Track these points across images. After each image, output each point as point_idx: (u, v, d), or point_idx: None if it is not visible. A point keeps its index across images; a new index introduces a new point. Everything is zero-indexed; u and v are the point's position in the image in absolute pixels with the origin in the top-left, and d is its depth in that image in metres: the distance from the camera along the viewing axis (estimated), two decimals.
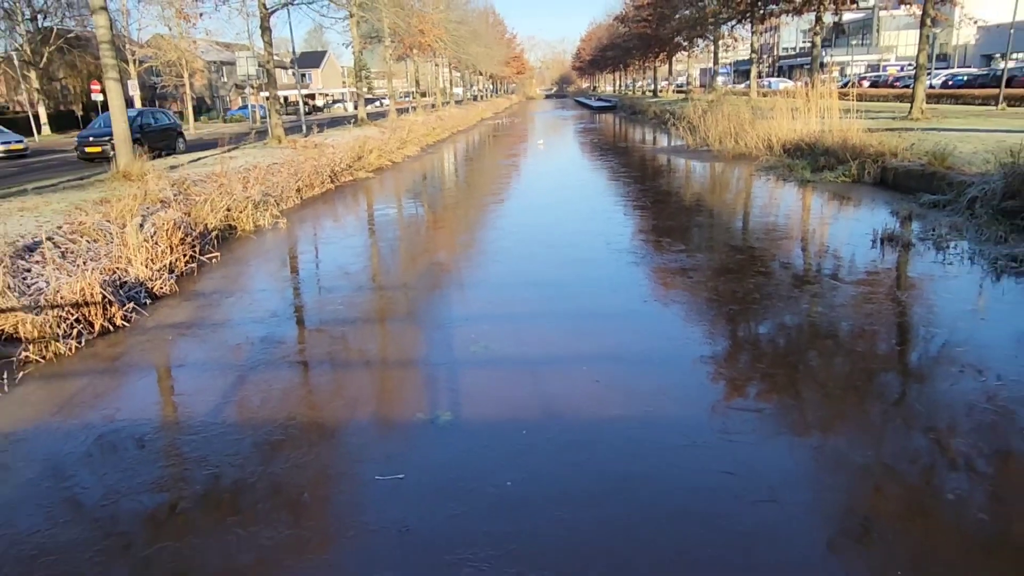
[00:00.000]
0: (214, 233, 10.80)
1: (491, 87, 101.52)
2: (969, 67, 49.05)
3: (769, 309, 6.69)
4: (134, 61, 38.31)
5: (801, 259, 8.55)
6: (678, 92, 57.95)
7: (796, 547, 3.31)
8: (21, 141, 18.01)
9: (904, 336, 5.94)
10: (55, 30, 39.28)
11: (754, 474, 3.90)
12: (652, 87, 66.72)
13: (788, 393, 4.93)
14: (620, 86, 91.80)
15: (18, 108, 41.68)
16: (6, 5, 37.08)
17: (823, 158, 14.74)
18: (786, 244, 9.30)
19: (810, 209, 11.62)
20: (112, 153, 15.73)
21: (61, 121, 42.99)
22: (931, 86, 34.07)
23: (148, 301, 7.76)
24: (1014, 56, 40.55)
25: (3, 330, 6.60)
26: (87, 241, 9.12)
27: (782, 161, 16.10)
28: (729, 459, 4.06)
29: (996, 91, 26.85)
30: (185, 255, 9.30)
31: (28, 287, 7.31)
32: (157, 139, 20.40)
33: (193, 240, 9.82)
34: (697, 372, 5.36)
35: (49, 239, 8.91)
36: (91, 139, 19.19)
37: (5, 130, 19.79)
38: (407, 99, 54.84)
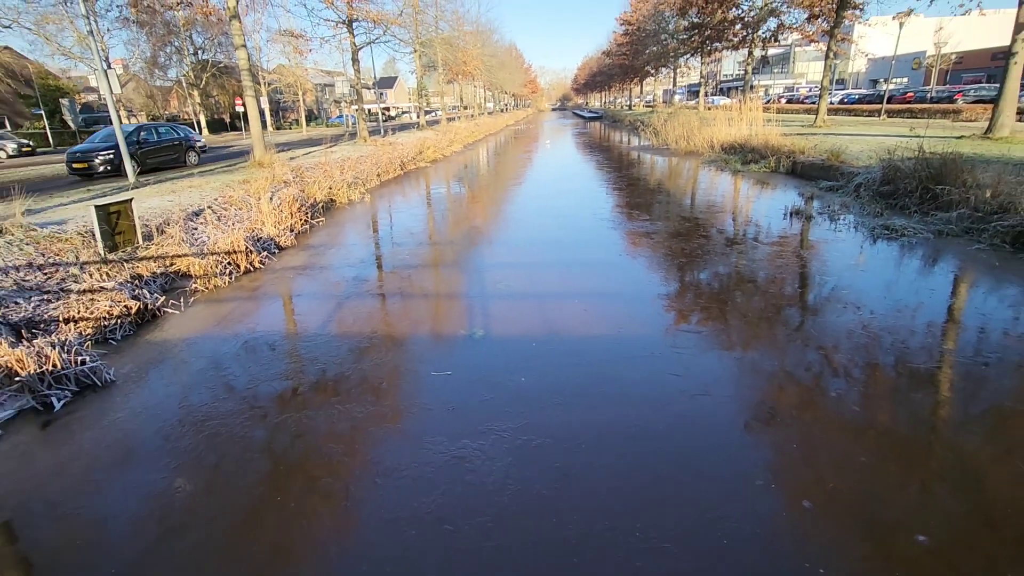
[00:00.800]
0: (320, 204, 10.72)
1: (513, 102, 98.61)
2: (860, 89, 46.71)
3: (708, 262, 6.53)
4: (264, 83, 38.38)
5: (731, 227, 8.29)
6: (647, 106, 55.85)
7: (722, 426, 3.28)
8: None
9: (804, 282, 5.77)
10: (210, 61, 39.07)
11: (694, 376, 3.85)
12: (628, 103, 64.37)
13: (719, 320, 4.84)
14: (605, 102, 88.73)
15: (185, 116, 41.50)
16: (176, 44, 36.86)
17: (750, 154, 14.17)
18: (721, 216, 9.02)
19: (739, 191, 11.22)
20: (100, 168, 12.94)
21: (215, 126, 42.90)
22: (832, 103, 32.52)
23: (276, 251, 7.76)
24: (894, 80, 38.51)
25: (180, 269, 6.66)
26: (235, 209, 9.10)
27: (721, 156, 15.52)
28: (677, 365, 4.01)
29: (879, 106, 25.61)
30: (301, 219, 9.26)
31: (195, 240, 7.34)
32: (158, 154, 14.72)
33: (306, 209, 9.76)
34: (656, 304, 5.27)
35: (209, 207, 8.91)
36: (78, 155, 13.31)
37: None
38: (454, 111, 53.44)
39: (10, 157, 23.46)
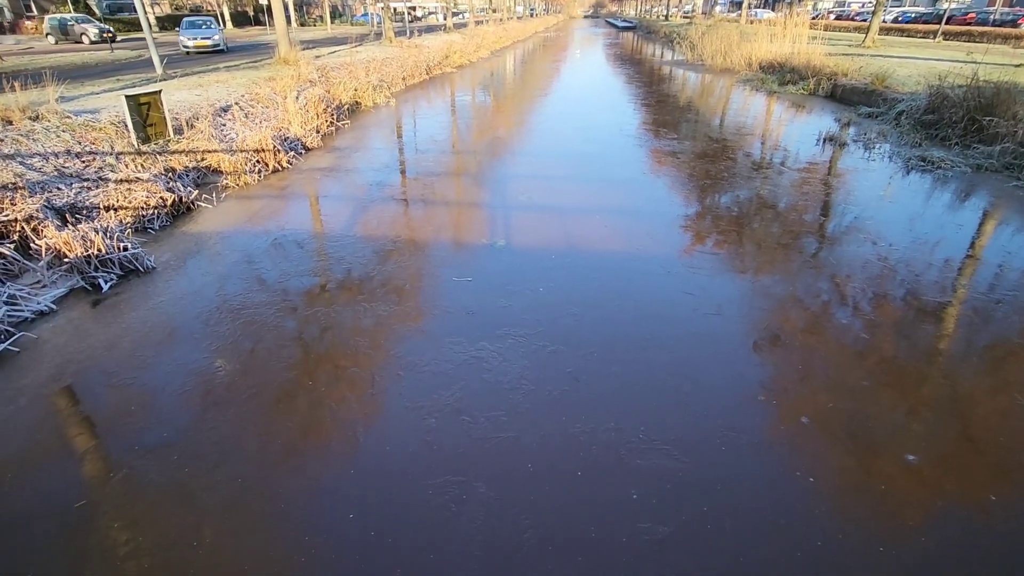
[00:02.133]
0: (346, 106, 10.30)
1: (543, 7, 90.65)
2: (918, 7, 41.78)
3: (731, 185, 6.23)
4: None
5: (760, 151, 7.82)
6: (685, 17, 50.94)
7: (731, 344, 3.28)
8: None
9: (826, 210, 5.51)
10: None
11: (708, 295, 3.80)
12: (665, 12, 58.69)
13: (737, 244, 4.69)
14: (640, 11, 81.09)
15: (209, 8, 39.03)
16: None
17: (789, 75, 13.03)
18: (750, 139, 8.48)
19: (773, 113, 10.46)
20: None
21: (239, 19, 40.47)
22: (884, 21, 29.29)
23: (303, 151, 7.57)
24: None
25: (211, 165, 6.57)
26: (261, 107, 8.79)
27: (758, 75, 14.31)
28: (691, 284, 3.95)
29: (936, 27, 23.01)
30: (326, 121, 8.93)
31: (224, 136, 7.17)
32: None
33: (332, 110, 9.39)
34: (675, 224, 5.11)
35: (236, 104, 8.61)
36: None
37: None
38: (482, 13, 49.41)
39: (92, 43, 22.25)
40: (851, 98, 10.62)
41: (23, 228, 4.35)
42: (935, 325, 3.51)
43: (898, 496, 2.27)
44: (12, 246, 4.18)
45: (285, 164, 6.91)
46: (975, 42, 20.27)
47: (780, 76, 13.24)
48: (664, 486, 2.31)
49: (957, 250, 4.57)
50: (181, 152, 6.42)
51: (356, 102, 11.03)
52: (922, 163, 6.68)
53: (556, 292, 3.85)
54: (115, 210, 4.92)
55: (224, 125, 7.59)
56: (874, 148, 7.51)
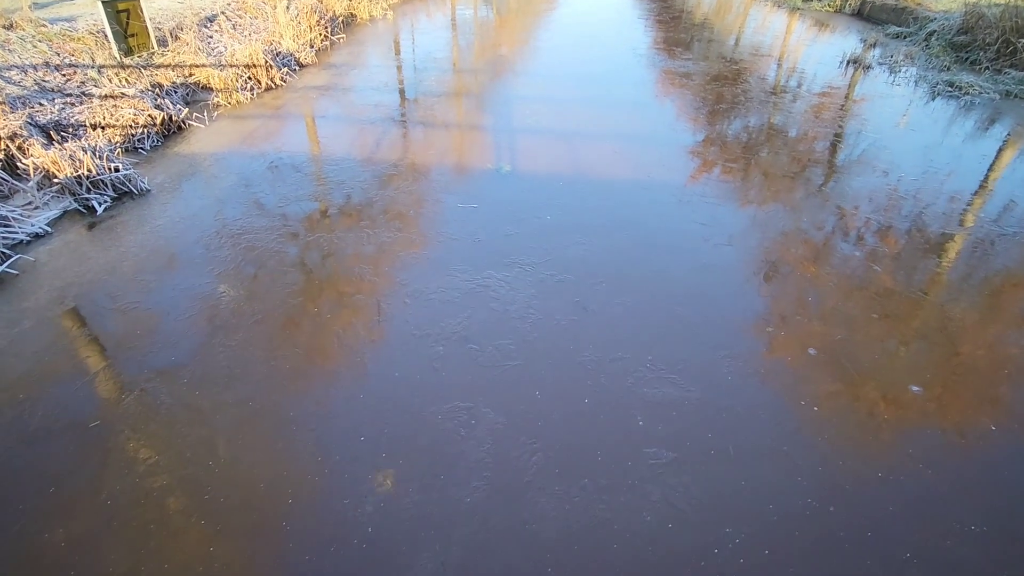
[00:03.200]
0: (340, 19, 9.49)
1: None
2: None
3: (745, 110, 5.86)
4: None
5: (776, 73, 7.30)
6: None
7: (741, 274, 3.19)
8: None
9: (840, 139, 5.21)
10: None
11: (719, 225, 3.65)
12: None
13: (747, 173, 4.47)
14: None
15: None
16: None
17: None
18: (767, 60, 7.89)
19: (793, 32, 9.69)
20: None
21: None
22: None
23: (296, 68, 7.05)
24: None
25: (200, 81, 6.13)
26: (250, 17, 8.09)
27: None
28: (703, 214, 3.79)
29: None
30: (321, 35, 8.25)
31: (212, 50, 6.63)
32: None
33: (326, 23, 8.65)
34: (687, 151, 4.84)
35: (222, 13, 7.92)
36: None
37: None
38: None
39: None
40: (879, 16, 9.80)
41: (8, 146, 4.10)
42: (939, 256, 3.40)
43: (900, 425, 2.27)
44: None
45: (278, 81, 6.46)
46: None
47: None
48: (670, 413, 2.31)
49: (970, 181, 4.36)
50: (167, 66, 5.96)
51: (351, 14, 10.16)
52: (949, 88, 6.25)
53: (564, 220, 3.70)
54: (102, 128, 4.62)
55: (211, 37, 7.00)
56: (899, 72, 7.01)
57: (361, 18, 10.29)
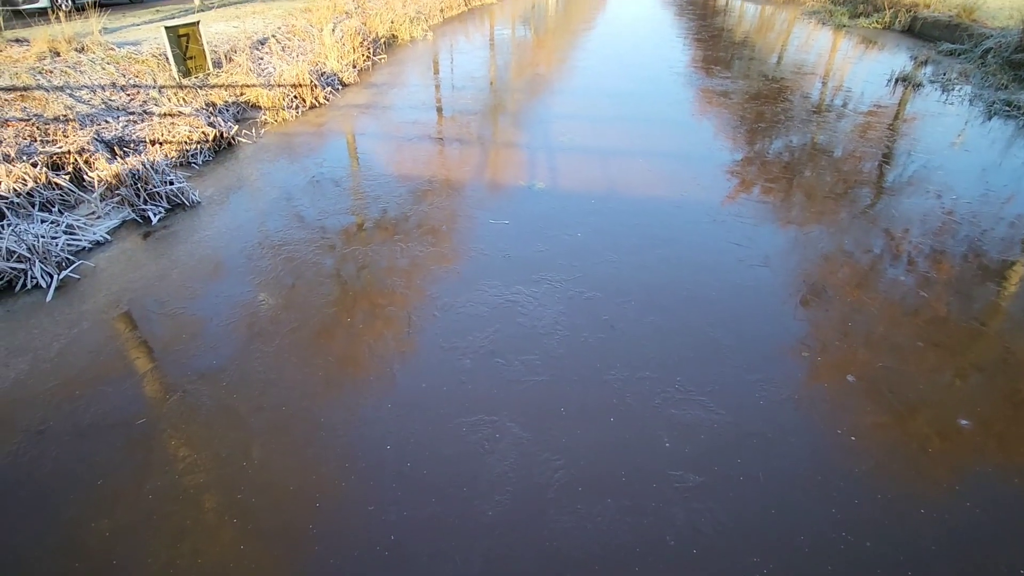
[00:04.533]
0: (382, 40, 9.93)
1: None
2: None
3: (786, 129, 5.78)
4: None
5: (820, 92, 7.17)
6: None
7: (777, 297, 3.13)
8: None
9: (889, 159, 5.06)
10: None
11: (755, 246, 3.61)
12: None
13: (787, 193, 4.40)
14: None
15: None
16: None
17: (862, 5, 11.73)
18: (811, 79, 7.77)
19: (839, 50, 9.51)
20: None
21: None
22: None
23: (340, 87, 7.41)
24: None
25: (249, 100, 6.51)
26: (298, 40, 8.57)
27: (826, 6, 12.94)
28: (739, 234, 3.75)
29: None
30: (363, 55, 8.65)
31: (262, 71, 7.05)
32: None
33: (368, 44, 9.07)
34: (724, 170, 4.81)
35: (273, 36, 8.41)
36: None
37: None
38: None
39: None
40: (931, 33, 9.52)
41: (76, 160, 4.46)
42: (996, 285, 3.24)
43: (947, 460, 2.17)
44: (67, 178, 4.30)
45: (322, 100, 6.79)
46: None
47: (851, 7, 11.94)
48: (698, 436, 2.28)
49: None
50: (221, 86, 6.37)
51: (393, 35, 10.61)
52: (1007, 108, 6.00)
53: (595, 237, 3.73)
54: (160, 144, 4.97)
55: (262, 59, 7.45)
56: (953, 90, 6.77)
57: (402, 39, 10.72)
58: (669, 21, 13.19)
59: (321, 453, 2.24)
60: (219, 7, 10.93)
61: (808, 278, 3.30)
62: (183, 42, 6.45)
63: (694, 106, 6.63)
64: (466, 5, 15.54)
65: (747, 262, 3.43)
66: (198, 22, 6.61)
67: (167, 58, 6.40)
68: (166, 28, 6.21)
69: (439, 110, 6.70)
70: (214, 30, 8.33)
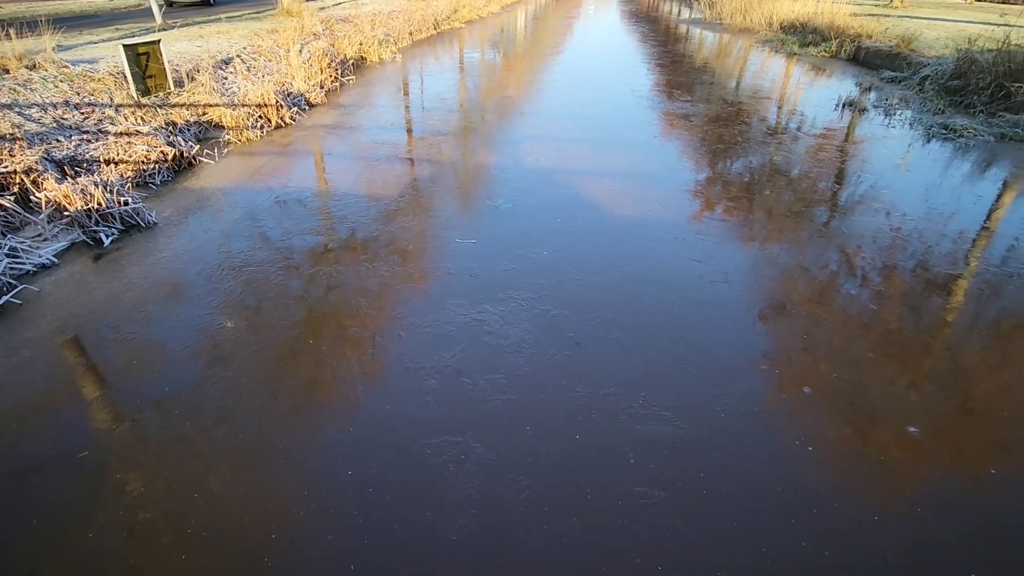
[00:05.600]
0: (350, 61, 9.96)
1: None
2: None
3: (744, 151, 6.02)
4: None
5: (776, 115, 7.53)
6: None
7: (736, 313, 3.22)
8: None
9: (840, 179, 5.32)
10: None
11: (715, 262, 3.71)
12: None
13: (746, 212, 4.56)
14: None
15: None
16: None
17: (811, 35, 12.42)
18: (766, 103, 8.16)
19: (791, 76, 10.03)
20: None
21: None
22: None
23: (306, 108, 7.37)
24: None
25: (212, 119, 6.41)
26: (264, 60, 8.52)
27: (778, 36, 13.66)
28: (699, 251, 3.86)
29: None
30: (331, 76, 8.66)
31: (226, 90, 6.97)
32: None
33: (336, 65, 9.08)
34: (685, 190, 4.96)
35: (238, 56, 8.34)
36: None
37: None
38: None
39: None
40: (874, 61, 10.15)
41: (23, 180, 4.28)
42: (943, 298, 3.42)
43: (897, 467, 2.25)
44: (12, 198, 4.12)
45: (288, 120, 6.74)
46: (1010, 3, 19.17)
47: (801, 37, 12.64)
48: (662, 451, 2.30)
49: (972, 222, 4.43)
50: (182, 105, 6.25)
51: (361, 57, 10.67)
52: (944, 131, 6.42)
53: (560, 256, 3.78)
54: (115, 164, 4.83)
55: (226, 78, 7.37)
56: (895, 114, 7.21)
57: (371, 60, 10.78)
58: (633, 47, 13.68)
59: (279, 482, 2.16)
60: (182, 27, 10.79)
61: (767, 293, 3.41)
62: (142, 61, 6.33)
63: (657, 128, 6.86)
64: (435, 28, 15.78)
65: (708, 278, 3.53)
66: (159, 41, 6.51)
67: (125, 76, 6.26)
68: (124, 46, 6.10)
69: (408, 131, 6.73)
70: (176, 49, 8.21)
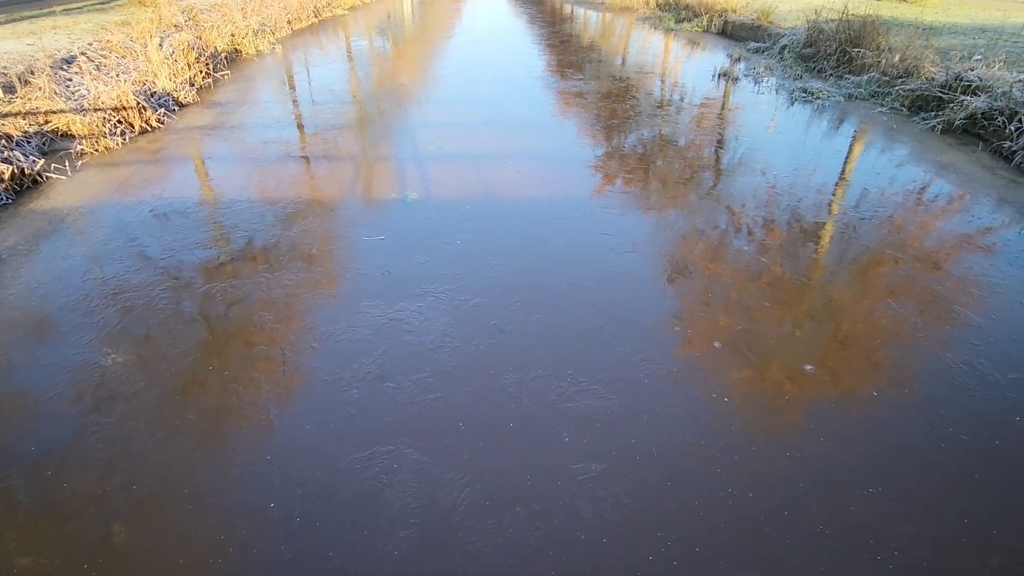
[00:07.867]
0: (223, 55, 9.01)
1: None
2: None
3: (636, 124, 6.24)
4: None
5: (660, 89, 7.88)
6: None
7: (647, 280, 3.32)
8: None
9: (721, 145, 5.68)
10: None
11: (623, 234, 3.81)
12: None
13: (643, 182, 4.73)
14: None
15: None
16: None
17: (684, 12, 13.13)
18: (651, 78, 8.50)
19: (671, 51, 10.55)
20: None
21: None
22: None
23: (176, 108, 6.56)
24: None
25: (58, 128, 5.50)
26: (116, 57, 7.44)
27: (656, 13, 14.29)
28: (607, 224, 3.93)
29: None
30: (201, 72, 7.76)
31: (72, 93, 6.00)
32: None
33: (206, 60, 8.16)
34: (587, 166, 5.04)
35: (83, 54, 7.22)
36: None
37: None
38: None
39: None
40: (740, 34, 10.93)
41: None
42: (814, 243, 3.77)
43: (800, 404, 2.45)
44: None
45: (155, 123, 5.96)
46: None
47: (676, 14, 13.32)
48: (594, 425, 2.32)
49: (831, 174, 4.91)
50: (16, 114, 5.29)
51: (236, 50, 9.69)
52: (803, 94, 7.06)
53: (474, 243, 3.68)
54: None
55: (70, 80, 6.35)
56: (762, 82, 7.82)
57: (247, 53, 9.84)
58: (522, 28, 13.67)
59: (187, 530, 1.90)
60: (6, 23, 9.15)
61: (671, 258, 3.56)
62: None
63: (554, 108, 6.91)
64: (316, 16, 14.72)
65: (618, 250, 3.61)
66: None
67: None
68: None
69: (299, 127, 6.22)
70: (2, 49, 6.94)
